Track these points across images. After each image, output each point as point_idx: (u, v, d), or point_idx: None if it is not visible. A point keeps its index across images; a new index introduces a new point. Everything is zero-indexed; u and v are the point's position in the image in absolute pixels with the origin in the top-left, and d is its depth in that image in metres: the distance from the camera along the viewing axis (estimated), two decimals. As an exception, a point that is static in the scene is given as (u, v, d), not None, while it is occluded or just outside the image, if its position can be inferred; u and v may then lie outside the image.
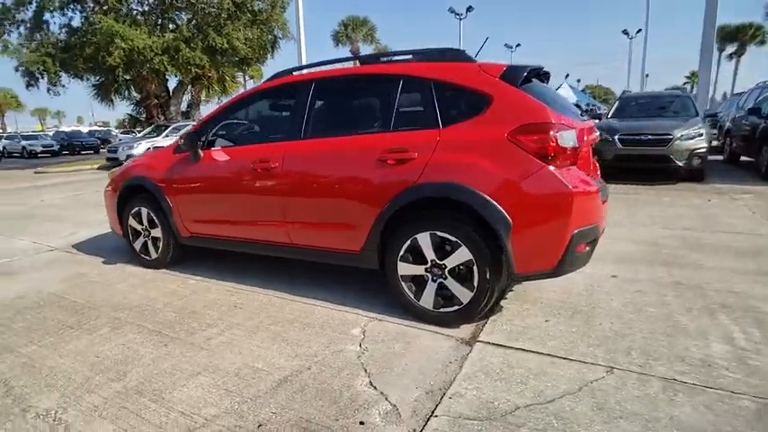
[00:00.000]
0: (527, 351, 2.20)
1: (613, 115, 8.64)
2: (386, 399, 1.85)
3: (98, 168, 14.73)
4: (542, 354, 2.17)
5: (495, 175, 2.23)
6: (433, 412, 1.75)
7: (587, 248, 2.36)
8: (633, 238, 4.17)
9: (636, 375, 1.95)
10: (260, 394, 1.91)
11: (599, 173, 3.18)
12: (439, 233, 2.39)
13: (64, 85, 17.87)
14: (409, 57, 2.72)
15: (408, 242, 2.48)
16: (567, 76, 36.22)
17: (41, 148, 25.67)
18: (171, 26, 18.03)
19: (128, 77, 19.02)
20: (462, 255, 2.35)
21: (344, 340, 2.38)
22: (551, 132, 2.17)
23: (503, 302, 2.80)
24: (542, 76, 2.80)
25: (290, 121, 2.94)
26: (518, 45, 41.31)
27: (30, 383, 2.05)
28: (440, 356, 2.19)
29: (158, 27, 17.61)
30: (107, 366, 2.18)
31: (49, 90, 18.03)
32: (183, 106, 23.27)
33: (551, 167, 2.17)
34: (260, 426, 1.71)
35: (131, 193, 3.76)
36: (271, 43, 21.00)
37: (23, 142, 27.29)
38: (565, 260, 2.23)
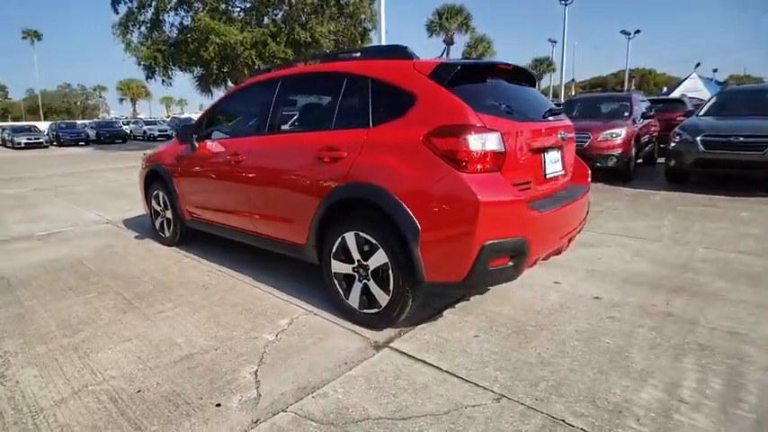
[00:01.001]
0: (427, 364, 2.14)
1: (707, 113, 7.48)
2: (257, 388, 1.98)
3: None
4: (441, 369, 2.10)
5: (408, 178, 2.18)
6: (287, 408, 1.83)
7: (510, 263, 2.18)
8: (661, 256, 3.67)
9: (522, 408, 1.80)
10: (159, 365, 2.16)
11: (587, 178, 2.89)
12: (362, 234, 2.41)
13: (171, 78, 20.59)
14: (358, 54, 2.73)
15: (339, 240, 2.53)
16: (698, 65, 31.06)
17: (158, 132, 29.91)
18: (260, 22, 19.64)
19: (225, 70, 21.24)
20: (380, 257, 2.35)
21: (267, 329, 2.54)
22: (464, 135, 2.04)
23: (448, 311, 2.72)
24: (515, 73, 2.62)
25: (259, 116, 3.16)
26: (637, 31, 36.65)
27: (10, 330, 2.57)
28: (340, 356, 2.24)
29: (249, 23, 19.32)
30: (70, 324, 2.63)
31: (162, 81, 21.00)
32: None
33: (463, 173, 2.05)
34: (138, 391, 1.95)
35: (153, 177, 4.33)
36: (360, 35, 21.72)
37: (144, 127, 32.03)
38: (475, 273, 2.11)
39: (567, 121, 2.85)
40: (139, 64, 20.03)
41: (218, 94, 28.61)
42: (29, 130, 26.31)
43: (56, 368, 2.15)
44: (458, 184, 2.04)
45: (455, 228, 2.08)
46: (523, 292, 3.00)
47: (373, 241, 2.36)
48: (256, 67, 20.31)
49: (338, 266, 2.59)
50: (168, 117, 47.17)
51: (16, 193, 8.13)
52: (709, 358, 2.15)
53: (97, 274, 3.54)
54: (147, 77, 20.78)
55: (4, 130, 27.30)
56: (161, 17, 19.58)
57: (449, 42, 42.11)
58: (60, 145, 26.17)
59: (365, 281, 2.47)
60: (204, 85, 22.47)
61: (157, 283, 3.30)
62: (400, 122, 2.29)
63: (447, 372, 2.08)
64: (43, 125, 30.46)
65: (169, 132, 29.96)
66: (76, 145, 25.94)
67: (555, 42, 40.58)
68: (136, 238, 4.65)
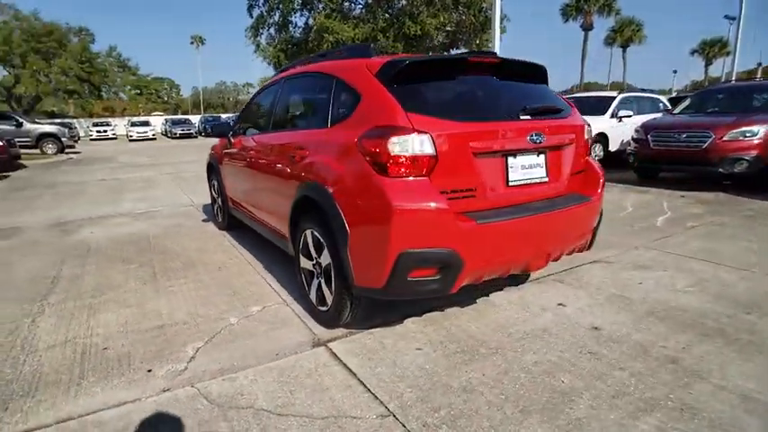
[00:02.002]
0: (346, 368, 2.17)
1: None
2: (188, 362, 2.25)
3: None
4: (354, 375, 2.10)
5: (342, 180, 2.21)
6: (195, 383, 2.06)
7: (437, 276, 2.05)
8: (732, 290, 3.00)
9: (400, 431, 1.73)
10: (134, 330, 2.59)
11: (596, 187, 2.52)
12: (315, 232, 2.51)
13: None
14: (342, 54, 2.80)
15: (302, 237, 2.68)
16: None
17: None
18: (374, 17, 20.51)
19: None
20: (326, 257, 2.42)
21: (236, 313, 2.82)
22: (387, 138, 1.98)
23: (412, 319, 2.66)
24: (508, 67, 2.42)
25: (266, 115, 3.46)
26: None
27: (62, 287, 3.32)
28: (278, 346, 2.39)
29: (363, 20, 20.35)
30: (101, 288, 3.28)
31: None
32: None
33: (384, 177, 2.00)
34: (105, 348, 2.39)
35: (209, 169, 5.02)
36: (482, 24, 21.29)
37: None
38: (394, 282, 2.04)
39: (570, 121, 2.51)
40: (270, 64, 22.69)
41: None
42: (183, 122, 31.81)
43: (67, 321, 2.74)
44: (378, 188, 2.00)
45: (375, 234, 2.05)
46: (511, 311, 2.76)
47: (321, 240, 2.44)
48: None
49: (304, 262, 2.73)
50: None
51: (150, 176, 10.04)
52: (683, 424, 1.74)
53: (151, 248, 4.28)
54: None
55: (166, 122, 33.45)
56: (288, 18, 21.85)
57: (587, 28, 38.17)
58: (207, 135, 31.16)
59: (320, 279, 2.57)
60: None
61: (187, 261, 3.86)
62: (347, 123, 2.31)
63: (358, 379, 2.07)
64: (196, 118, 36.46)
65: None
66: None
67: (733, 20, 33.79)
68: (203, 221, 5.44)
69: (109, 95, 38.86)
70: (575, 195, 2.51)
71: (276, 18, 21.88)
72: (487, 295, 2.98)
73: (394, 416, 1.82)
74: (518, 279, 3.20)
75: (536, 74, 2.67)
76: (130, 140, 27.93)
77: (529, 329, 2.52)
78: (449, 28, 21.10)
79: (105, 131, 29.02)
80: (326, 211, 2.27)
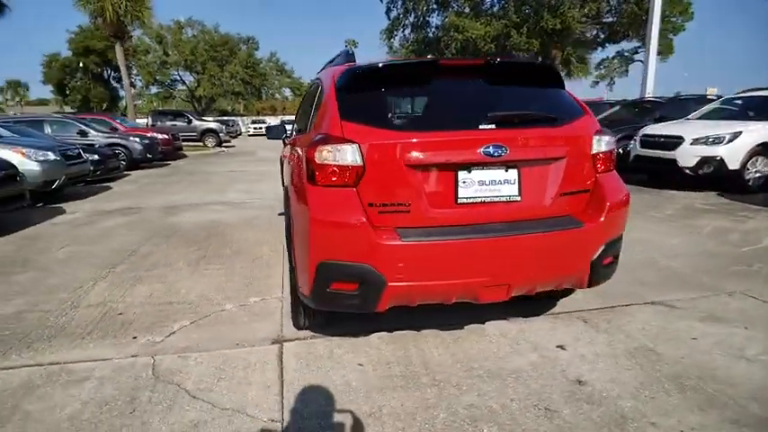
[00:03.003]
0: (280, 369, 2.27)
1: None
2: (166, 337, 2.62)
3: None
4: (280, 377, 2.20)
5: (294, 186, 2.31)
6: (157, 355, 2.40)
7: (357, 291, 1.99)
8: None
9: (279, 439, 1.78)
10: (151, 303, 3.11)
11: (601, 210, 2.17)
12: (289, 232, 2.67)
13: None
14: (337, 60, 2.87)
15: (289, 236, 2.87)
16: None
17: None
18: (507, 13, 19.71)
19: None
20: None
21: (235, 301, 3.13)
22: (318, 147, 2.01)
23: (378, 334, 2.62)
24: (493, 68, 2.24)
25: (302, 117, 3.72)
26: None
27: (133, 260, 4.11)
28: (245, 337, 2.61)
29: (496, 16, 19.73)
30: (157, 264, 3.96)
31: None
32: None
33: (312, 186, 2.03)
34: (120, 314, 2.93)
35: (280, 165, 5.57)
36: (647, 13, 19.00)
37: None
38: (316, 292, 2.06)
39: (563, 131, 2.16)
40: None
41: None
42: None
43: (114, 287, 3.41)
44: (305, 196, 2.06)
45: (302, 241, 2.11)
46: (494, 344, 2.51)
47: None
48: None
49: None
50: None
51: (266, 170, 11.45)
52: None
53: (217, 235, 4.97)
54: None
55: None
56: (424, 18, 22.43)
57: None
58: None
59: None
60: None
61: (237, 250, 4.40)
62: (311, 129, 2.41)
63: (282, 382, 2.16)
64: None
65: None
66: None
67: None
68: (278, 214, 6.07)
69: (267, 96, 45.30)
70: (562, 219, 2.15)
71: (412, 19, 22.66)
72: (483, 322, 2.74)
73: (282, 424, 1.86)
74: (534, 309, 2.86)
75: (539, 76, 2.36)
76: (248, 135, 32.18)
77: (496, 368, 2.26)
78: (608, 19, 19.03)
79: (261, 128, 33.88)
80: (286, 213, 2.41)
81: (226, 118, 31.81)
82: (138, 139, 11.42)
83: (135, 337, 2.62)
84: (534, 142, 2.10)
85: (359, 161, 1.97)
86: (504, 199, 2.09)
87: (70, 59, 36.20)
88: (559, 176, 2.15)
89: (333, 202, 1.98)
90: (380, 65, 2.22)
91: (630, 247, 4.14)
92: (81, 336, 2.65)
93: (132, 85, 38.31)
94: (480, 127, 2.04)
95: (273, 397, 2.05)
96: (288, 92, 48.02)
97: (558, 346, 2.48)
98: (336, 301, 2.09)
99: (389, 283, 1.97)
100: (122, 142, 10.92)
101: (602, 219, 2.17)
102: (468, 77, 2.26)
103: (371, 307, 2.05)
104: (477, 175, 2.05)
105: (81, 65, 34.79)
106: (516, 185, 2.09)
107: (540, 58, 20.74)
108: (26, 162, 6.13)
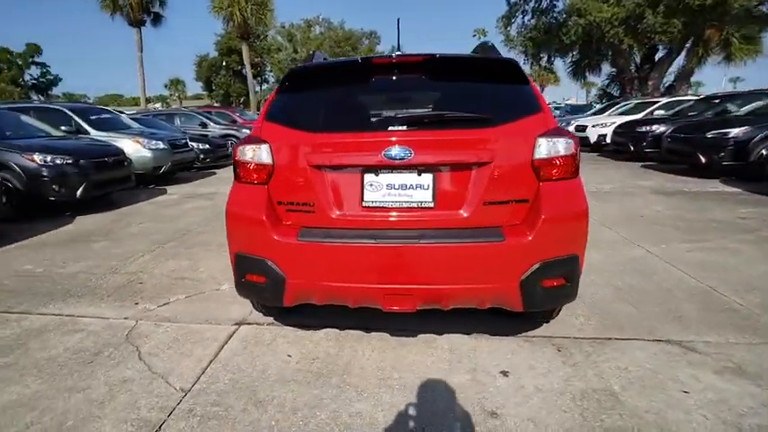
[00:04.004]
0: (220, 348, 2.54)
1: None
2: (158, 307, 3.09)
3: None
4: (215, 354, 2.46)
5: None
6: (142, 320, 2.87)
7: (265, 284, 2.12)
8: None
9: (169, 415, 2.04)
10: (170, 276, 3.65)
11: (535, 223, 2.00)
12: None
13: (541, 64, 21.88)
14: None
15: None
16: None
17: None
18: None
19: (603, 53, 20.38)
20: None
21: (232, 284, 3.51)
22: (239, 145, 2.18)
23: (327, 331, 2.72)
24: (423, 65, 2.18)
25: None
26: None
27: (181, 238, 4.81)
28: (217, 315, 2.94)
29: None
30: (199, 243, 4.58)
31: (531, 66, 22.82)
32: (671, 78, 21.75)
33: (235, 182, 2.23)
34: (140, 283, 3.52)
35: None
36: None
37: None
38: (236, 281, 2.26)
39: (493, 134, 1.98)
40: (521, 53, 22.48)
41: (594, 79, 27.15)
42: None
43: (154, 260, 4.08)
44: (230, 191, 2.26)
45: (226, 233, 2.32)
46: (430, 357, 2.43)
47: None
48: (624, 47, 18.18)
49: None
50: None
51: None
52: None
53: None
54: (524, 62, 23.16)
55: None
56: (553, 2, 20.84)
57: None
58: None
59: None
60: (575, 69, 22.41)
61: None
62: None
63: (210, 360, 2.41)
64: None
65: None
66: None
67: None
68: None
69: None
70: (483, 231, 1.99)
71: (532, 4, 21.31)
72: (441, 333, 2.66)
73: (184, 395, 2.12)
74: (513, 329, 2.68)
75: (490, 71, 2.19)
76: None
77: (414, 382, 2.21)
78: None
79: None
80: None
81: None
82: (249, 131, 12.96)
83: (137, 303, 3.15)
84: (449, 145, 1.98)
85: (269, 161, 2.10)
86: (415, 205, 2.02)
87: (216, 59, 42.29)
88: (483, 184, 1.98)
89: (244, 198, 2.16)
90: (312, 65, 2.30)
91: (695, 270, 3.52)
92: (101, 297, 3.27)
93: (266, 80, 43.02)
94: (390, 128, 2.00)
95: (198, 371, 2.31)
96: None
97: (501, 372, 2.29)
98: (252, 291, 2.27)
99: (289, 280, 2.08)
100: (235, 133, 12.52)
101: (533, 234, 1.95)
102: (404, 76, 2.20)
103: (279, 301, 2.18)
104: (386, 178, 2.02)
105: (224, 63, 40.42)
106: (430, 191, 2.00)
107: (686, 43, 17.68)
108: (141, 150, 7.51)
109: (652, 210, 5.78)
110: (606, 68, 22.07)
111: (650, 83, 20.39)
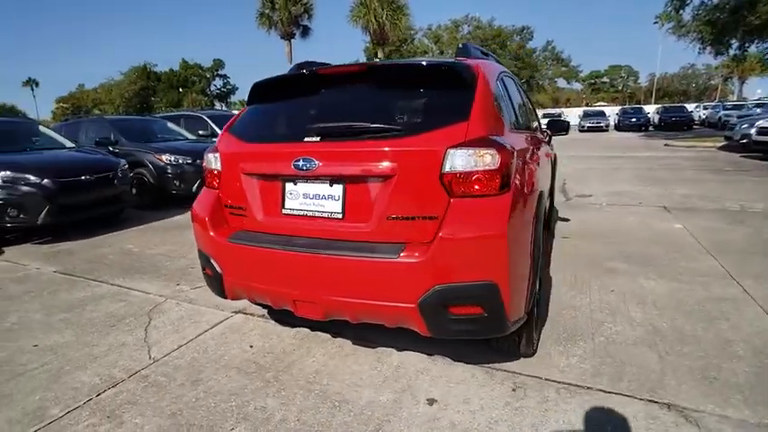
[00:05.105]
0: (206, 332, 2.95)
1: None
2: (191, 289, 3.68)
3: (719, 148, 14.41)
4: (198, 336, 2.87)
5: None
6: (164, 297, 3.48)
7: (213, 276, 2.42)
8: None
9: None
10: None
11: (437, 238, 1.96)
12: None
13: (726, 52, 18.16)
14: None
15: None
16: None
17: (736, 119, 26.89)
18: None
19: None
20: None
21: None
22: (205, 155, 2.51)
23: (298, 330, 2.93)
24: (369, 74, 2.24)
25: None
26: None
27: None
28: (221, 301, 3.32)
29: None
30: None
31: (716, 55, 19.09)
32: None
33: (204, 187, 2.57)
34: (191, 267, 4.21)
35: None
36: None
37: (722, 113, 29.42)
38: (203, 275, 2.61)
39: (400, 145, 1.91)
40: (694, 41, 19.11)
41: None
42: (596, 114, 31.77)
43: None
44: None
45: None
46: (372, 370, 2.45)
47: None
48: None
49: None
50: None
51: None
52: None
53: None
54: (699, 52, 19.58)
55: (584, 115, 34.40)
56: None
57: None
58: (618, 129, 29.95)
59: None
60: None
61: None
62: None
63: (190, 340, 2.83)
64: (650, 108, 35.15)
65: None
66: (639, 130, 28.37)
67: None
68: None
69: (535, 88, 43.91)
70: (382, 246, 1.94)
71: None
72: (401, 350, 2.63)
73: (150, 363, 2.56)
74: (479, 358, 2.53)
75: (424, 79, 2.12)
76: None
77: (335, 392, 2.27)
78: None
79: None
80: None
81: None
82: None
83: (177, 284, 3.81)
84: (354, 157, 1.98)
85: (219, 167, 2.39)
86: (326, 215, 2.08)
87: (363, 65, 45.55)
88: (386, 197, 1.94)
89: (202, 200, 2.49)
90: (268, 79, 2.50)
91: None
92: (158, 276, 4.03)
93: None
94: (305, 139, 2.10)
95: (175, 346, 2.75)
96: (563, 82, 45.36)
97: (428, 399, 2.19)
98: (207, 282, 2.60)
99: (225, 277, 2.35)
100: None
101: (429, 254, 1.84)
102: (345, 86, 2.26)
103: (223, 295, 2.46)
104: (303, 187, 2.13)
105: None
106: (340, 202, 2.04)
107: None
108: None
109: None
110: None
111: None
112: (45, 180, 4.84)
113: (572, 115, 35.45)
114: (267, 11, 27.65)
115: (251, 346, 2.73)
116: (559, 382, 2.28)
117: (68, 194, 5.02)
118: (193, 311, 3.25)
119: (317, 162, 2.02)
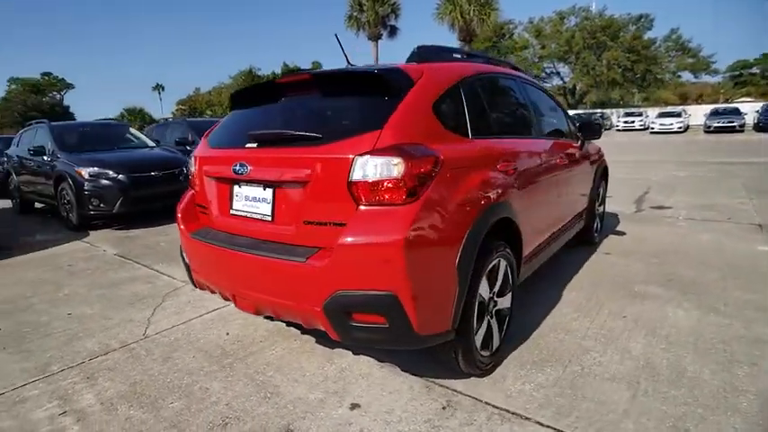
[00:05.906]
0: (198, 315, 3.30)
1: None
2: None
3: None
4: (189, 315, 3.23)
5: None
6: (180, 288, 3.93)
7: (186, 266, 2.71)
8: None
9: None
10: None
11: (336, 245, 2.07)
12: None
13: None
14: None
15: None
16: None
17: None
18: None
19: None
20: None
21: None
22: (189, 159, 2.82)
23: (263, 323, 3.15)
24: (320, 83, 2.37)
25: None
26: None
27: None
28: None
29: None
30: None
31: None
32: None
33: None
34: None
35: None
36: None
37: None
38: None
39: (314, 152, 2.01)
40: None
41: None
42: (729, 113, 27.66)
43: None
44: None
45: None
46: (317, 369, 2.56)
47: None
48: None
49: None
50: None
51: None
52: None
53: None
54: None
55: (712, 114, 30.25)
56: None
57: None
58: (758, 130, 25.81)
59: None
60: None
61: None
62: None
63: (186, 318, 3.19)
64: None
65: None
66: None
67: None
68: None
69: (649, 83, 38.82)
70: (295, 249, 2.04)
71: None
72: (356, 353, 2.70)
73: (141, 338, 2.95)
74: (440, 372, 2.55)
75: (359, 86, 2.18)
76: (617, 131, 28.50)
77: (270, 383, 2.41)
78: None
79: (633, 122, 30.63)
80: None
81: (592, 111, 30.73)
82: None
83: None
84: (278, 163, 2.10)
85: (193, 170, 2.68)
86: (259, 217, 2.24)
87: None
88: (302, 203, 2.04)
89: (182, 199, 2.79)
90: (242, 89, 2.73)
91: None
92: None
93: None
94: (247, 145, 2.28)
95: (169, 325, 3.13)
96: (689, 75, 39.88)
97: (351, 404, 2.24)
98: (188, 273, 2.90)
99: (192, 267, 2.64)
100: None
101: (329, 259, 1.91)
102: (293, 94, 2.39)
103: (193, 284, 2.75)
104: (245, 190, 2.31)
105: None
106: (270, 206, 2.18)
107: None
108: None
109: None
110: None
111: None
112: (120, 175, 5.72)
113: (697, 114, 31.40)
114: (355, 13, 28.73)
115: (227, 334, 3.00)
116: (497, 408, 2.17)
117: (139, 187, 5.87)
118: (200, 298, 3.62)
119: (249, 167, 2.20)
